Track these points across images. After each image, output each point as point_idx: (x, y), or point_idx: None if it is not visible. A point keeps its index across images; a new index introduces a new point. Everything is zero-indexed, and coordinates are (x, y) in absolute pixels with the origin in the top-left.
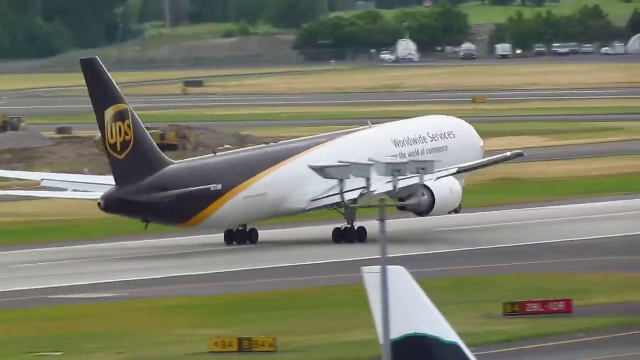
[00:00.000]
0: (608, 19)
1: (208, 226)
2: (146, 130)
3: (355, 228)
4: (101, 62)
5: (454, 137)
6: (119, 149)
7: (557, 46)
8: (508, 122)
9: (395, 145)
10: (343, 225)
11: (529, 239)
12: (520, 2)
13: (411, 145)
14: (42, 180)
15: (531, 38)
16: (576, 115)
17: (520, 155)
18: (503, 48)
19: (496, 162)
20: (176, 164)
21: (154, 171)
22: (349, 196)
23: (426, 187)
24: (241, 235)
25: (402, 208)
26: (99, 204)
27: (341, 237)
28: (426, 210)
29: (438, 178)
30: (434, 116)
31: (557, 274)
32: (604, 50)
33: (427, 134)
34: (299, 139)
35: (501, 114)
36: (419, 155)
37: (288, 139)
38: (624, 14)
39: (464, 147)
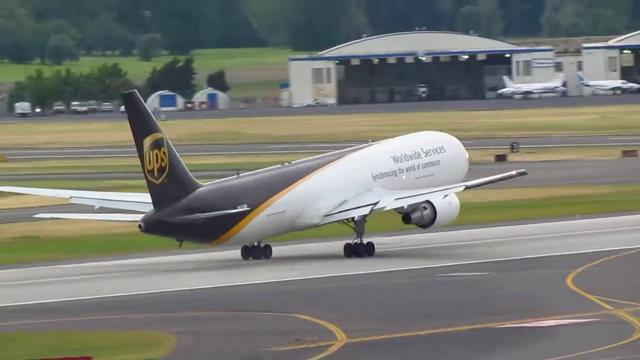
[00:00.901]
0: (127, 76)
1: (235, 243)
2: (179, 156)
3: (365, 243)
4: (139, 95)
5: (445, 151)
6: (155, 174)
7: (76, 104)
8: (28, 181)
9: (394, 161)
10: (354, 240)
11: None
12: (40, 60)
13: (408, 160)
14: (71, 197)
15: (50, 96)
16: (96, 173)
17: (524, 173)
18: (22, 106)
19: (501, 179)
20: (205, 187)
21: (187, 194)
22: (360, 212)
23: (428, 201)
24: (257, 251)
25: (408, 222)
26: (139, 225)
27: (352, 251)
28: (429, 223)
29: (446, 195)
30: (426, 132)
31: (77, 331)
32: (123, 108)
33: (421, 149)
34: (310, 158)
35: (21, 172)
36: (415, 169)
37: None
38: (143, 71)
39: (453, 161)
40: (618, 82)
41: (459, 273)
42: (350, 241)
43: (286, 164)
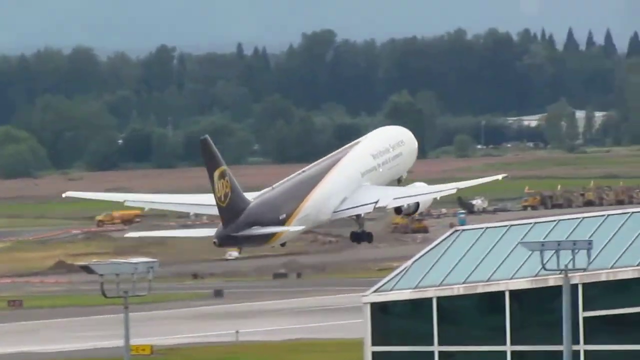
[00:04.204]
0: None
1: (278, 243)
2: (236, 182)
3: (367, 232)
4: (210, 140)
5: (404, 143)
6: (222, 199)
7: None
8: None
9: (373, 158)
10: (358, 229)
11: None
12: None
13: (382, 155)
14: (125, 201)
15: None
16: None
17: (505, 176)
18: None
19: (487, 181)
20: (253, 202)
21: (243, 211)
22: (364, 209)
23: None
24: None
25: (399, 212)
26: (214, 242)
27: (356, 238)
28: (414, 211)
29: (440, 196)
30: (387, 128)
31: None
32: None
33: (389, 144)
34: (315, 163)
35: None
36: (387, 163)
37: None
38: None
39: (410, 151)
40: None
41: None
42: (354, 230)
43: (301, 171)
